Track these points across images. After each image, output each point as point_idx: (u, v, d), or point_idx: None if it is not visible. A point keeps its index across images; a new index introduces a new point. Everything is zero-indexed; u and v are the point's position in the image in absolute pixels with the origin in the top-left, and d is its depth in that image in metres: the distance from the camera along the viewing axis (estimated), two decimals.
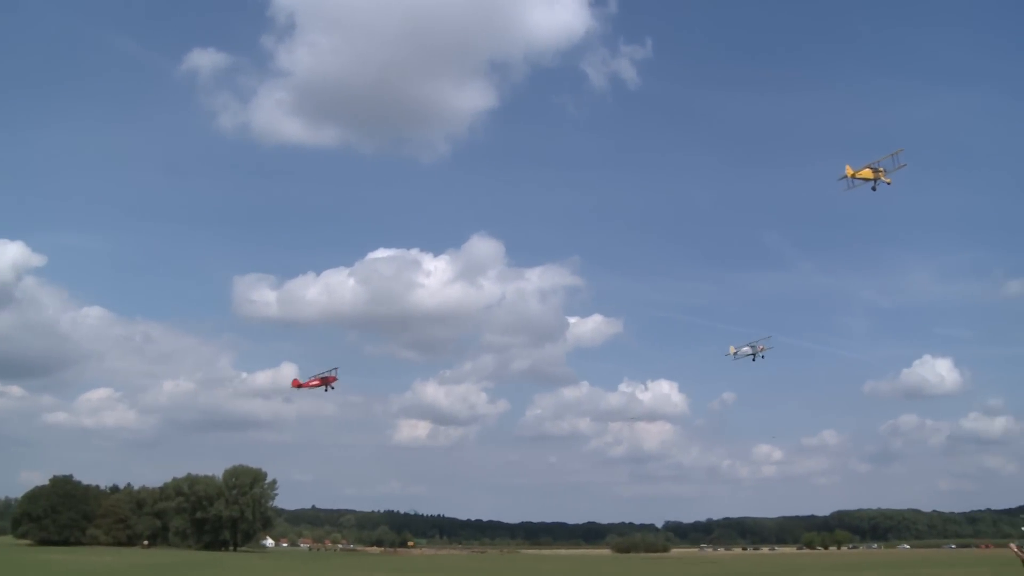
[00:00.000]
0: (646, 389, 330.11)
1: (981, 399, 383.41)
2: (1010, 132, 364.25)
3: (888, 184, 53.86)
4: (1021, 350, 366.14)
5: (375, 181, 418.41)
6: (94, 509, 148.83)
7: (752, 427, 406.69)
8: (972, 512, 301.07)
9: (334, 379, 73.10)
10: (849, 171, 53.79)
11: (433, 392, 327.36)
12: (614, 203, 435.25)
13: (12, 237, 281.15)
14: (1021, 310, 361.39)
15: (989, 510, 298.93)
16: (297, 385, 73.84)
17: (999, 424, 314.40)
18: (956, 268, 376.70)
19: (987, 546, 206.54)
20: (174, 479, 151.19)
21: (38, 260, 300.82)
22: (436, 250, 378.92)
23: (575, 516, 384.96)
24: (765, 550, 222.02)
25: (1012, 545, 20.88)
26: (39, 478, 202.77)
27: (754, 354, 74.36)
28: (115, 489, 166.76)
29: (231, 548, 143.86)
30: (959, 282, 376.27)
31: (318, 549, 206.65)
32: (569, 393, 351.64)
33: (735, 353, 74.90)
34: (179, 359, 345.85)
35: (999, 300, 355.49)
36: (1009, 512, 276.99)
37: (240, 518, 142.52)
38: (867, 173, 53.66)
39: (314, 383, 72.91)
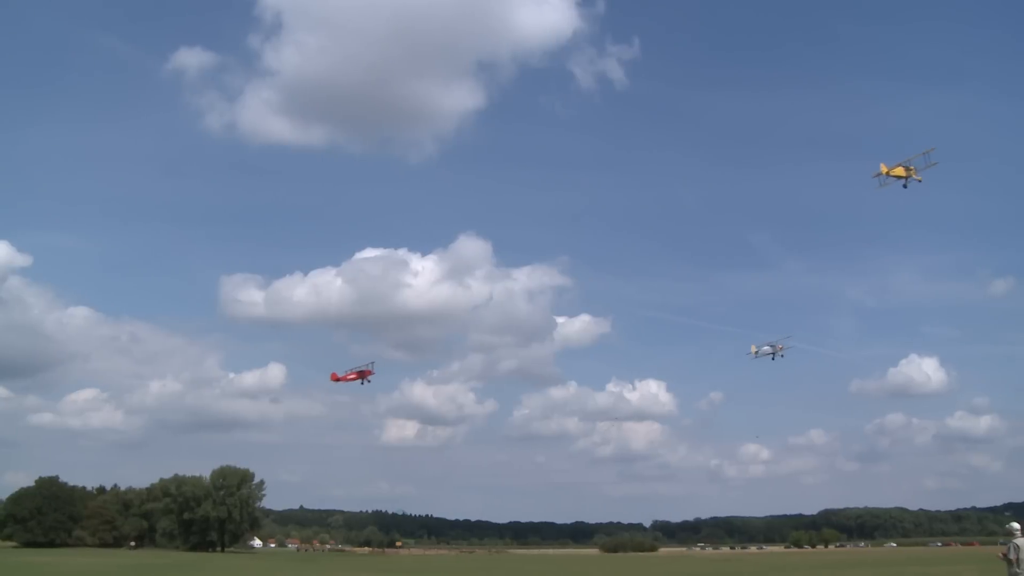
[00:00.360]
0: (634, 389, 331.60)
1: (967, 398, 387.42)
2: (995, 132, 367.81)
3: (919, 182, 54.81)
4: (1006, 349, 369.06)
5: (362, 181, 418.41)
6: (80, 510, 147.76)
7: (740, 426, 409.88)
8: (958, 510, 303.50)
9: (370, 372, 75.02)
10: (884, 169, 54.73)
11: (421, 392, 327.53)
12: (602, 203, 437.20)
13: None
14: (1006, 309, 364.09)
15: (975, 508, 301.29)
16: (335, 378, 75.26)
17: (984, 423, 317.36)
18: (942, 268, 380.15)
19: (951, 543, 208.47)
20: (161, 480, 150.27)
21: (23, 260, 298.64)
22: (424, 250, 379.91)
23: (563, 516, 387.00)
24: (753, 549, 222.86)
25: (1000, 554, 20.94)
26: (24, 479, 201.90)
27: (773, 353, 76.05)
28: (101, 490, 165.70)
29: (219, 549, 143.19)
30: (945, 282, 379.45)
31: (306, 550, 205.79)
32: (557, 393, 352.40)
33: (756, 352, 76.60)
34: (166, 359, 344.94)
35: (985, 299, 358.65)
36: (994, 510, 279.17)
37: (228, 519, 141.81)
38: (900, 171, 54.67)
39: (351, 376, 74.65)
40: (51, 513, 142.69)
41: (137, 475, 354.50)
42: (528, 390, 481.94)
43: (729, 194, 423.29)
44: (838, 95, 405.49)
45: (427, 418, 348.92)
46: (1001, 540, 23.36)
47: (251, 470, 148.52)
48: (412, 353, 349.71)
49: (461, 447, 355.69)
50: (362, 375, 74.80)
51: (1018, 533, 20.46)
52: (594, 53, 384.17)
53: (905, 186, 54.75)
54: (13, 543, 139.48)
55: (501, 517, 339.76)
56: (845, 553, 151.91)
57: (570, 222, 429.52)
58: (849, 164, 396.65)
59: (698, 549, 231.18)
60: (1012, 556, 20.10)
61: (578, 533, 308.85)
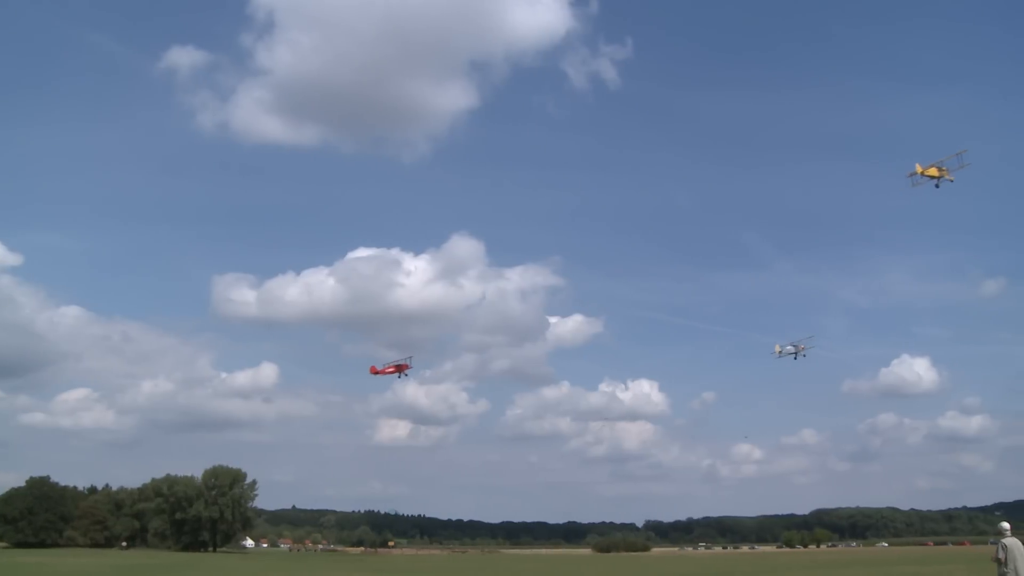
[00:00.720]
0: (627, 388, 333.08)
1: (958, 398, 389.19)
2: (986, 133, 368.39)
3: (951, 181, 56.41)
4: (997, 349, 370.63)
5: (355, 180, 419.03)
6: (71, 511, 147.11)
7: (732, 426, 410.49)
8: (949, 510, 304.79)
9: (407, 367, 76.58)
10: (919, 169, 56.34)
11: (413, 392, 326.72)
12: (595, 203, 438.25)
13: None
14: (997, 310, 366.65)
15: (965, 508, 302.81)
16: (374, 371, 76.50)
17: (975, 423, 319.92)
18: (933, 268, 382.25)
19: (928, 543, 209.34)
20: (153, 480, 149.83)
21: (14, 259, 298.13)
22: (416, 249, 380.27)
23: (555, 516, 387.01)
24: (745, 549, 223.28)
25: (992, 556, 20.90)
26: (15, 479, 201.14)
27: (796, 353, 77.52)
28: (93, 490, 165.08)
29: (211, 549, 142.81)
30: (936, 282, 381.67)
31: (298, 549, 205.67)
32: (549, 393, 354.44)
33: (780, 352, 78.13)
34: (158, 359, 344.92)
35: (975, 300, 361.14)
36: (985, 510, 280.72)
37: (220, 519, 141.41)
38: (933, 171, 56.30)
39: (390, 370, 75.85)
40: (42, 513, 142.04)
41: (129, 475, 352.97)
42: (521, 390, 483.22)
43: (722, 194, 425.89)
44: (831, 95, 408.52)
45: (420, 418, 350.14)
46: (991, 540, 23.44)
47: (243, 470, 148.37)
48: (405, 353, 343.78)
49: (454, 447, 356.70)
50: (399, 369, 76.25)
51: (1008, 532, 20.54)
52: (587, 53, 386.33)
53: (937, 186, 56.41)
54: (3, 543, 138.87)
55: (494, 517, 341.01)
56: (837, 553, 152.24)
57: (563, 222, 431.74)
58: (841, 164, 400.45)
59: (699, 548, 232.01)
60: (1000, 556, 20.15)
61: (571, 533, 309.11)
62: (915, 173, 56.48)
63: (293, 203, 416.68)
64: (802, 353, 77.58)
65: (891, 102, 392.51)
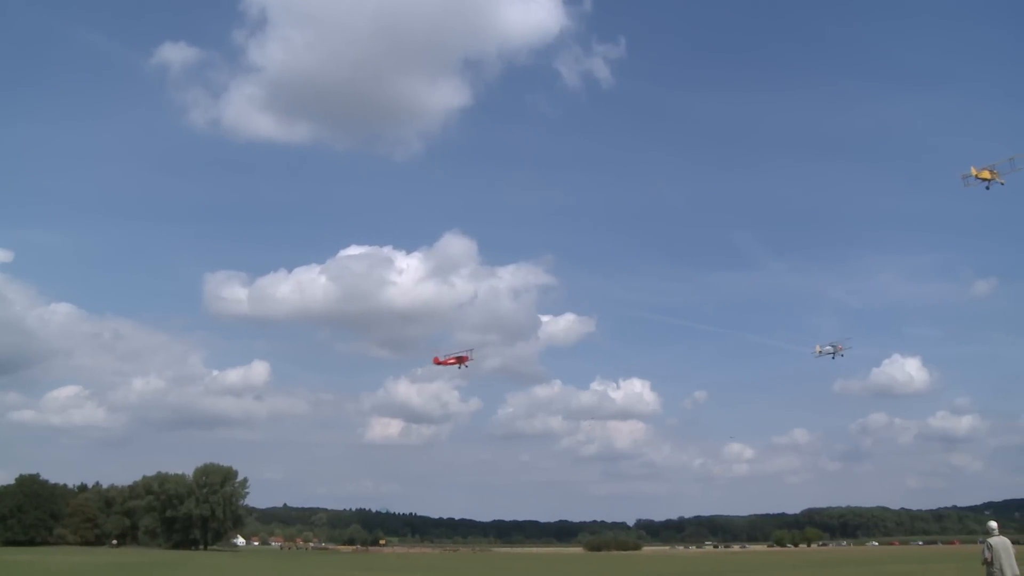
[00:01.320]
0: (618, 388, 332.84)
1: (949, 398, 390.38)
2: (978, 133, 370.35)
3: (1002, 184, 58.02)
4: (988, 349, 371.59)
5: (347, 178, 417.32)
6: (61, 508, 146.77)
7: (724, 426, 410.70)
8: (939, 509, 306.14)
9: (468, 359, 79.21)
10: (973, 171, 57.80)
11: (405, 390, 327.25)
12: (587, 202, 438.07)
13: None
14: (988, 310, 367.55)
15: (955, 507, 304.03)
16: (437, 362, 79.74)
17: (966, 423, 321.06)
18: (925, 268, 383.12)
19: (895, 543, 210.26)
20: (144, 478, 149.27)
21: (5, 256, 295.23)
22: (408, 248, 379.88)
23: (547, 514, 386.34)
24: (736, 548, 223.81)
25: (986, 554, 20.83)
26: (5, 477, 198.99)
27: (834, 353, 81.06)
28: (83, 488, 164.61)
29: (201, 547, 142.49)
30: (928, 282, 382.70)
31: (290, 548, 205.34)
32: (541, 391, 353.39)
33: (820, 352, 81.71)
34: (149, 356, 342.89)
35: (967, 300, 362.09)
36: (974, 509, 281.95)
37: (211, 517, 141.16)
38: (986, 174, 57.90)
39: (451, 361, 78.74)
40: (32, 511, 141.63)
41: (120, 473, 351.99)
42: (513, 389, 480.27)
43: (714, 194, 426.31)
44: (823, 96, 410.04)
45: (411, 416, 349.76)
46: (980, 539, 23.50)
47: (234, 468, 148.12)
48: (396, 351, 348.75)
49: (445, 445, 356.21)
50: (460, 360, 78.33)
51: (995, 532, 20.58)
52: (580, 52, 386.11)
53: (987, 188, 57.77)
54: None
55: (485, 515, 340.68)
56: (827, 552, 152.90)
57: (555, 221, 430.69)
58: (833, 164, 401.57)
59: (704, 547, 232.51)
60: (987, 556, 20.18)
61: (562, 532, 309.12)
62: (968, 175, 57.73)
63: (285, 201, 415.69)
64: (840, 353, 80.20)
65: (883, 102, 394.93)
